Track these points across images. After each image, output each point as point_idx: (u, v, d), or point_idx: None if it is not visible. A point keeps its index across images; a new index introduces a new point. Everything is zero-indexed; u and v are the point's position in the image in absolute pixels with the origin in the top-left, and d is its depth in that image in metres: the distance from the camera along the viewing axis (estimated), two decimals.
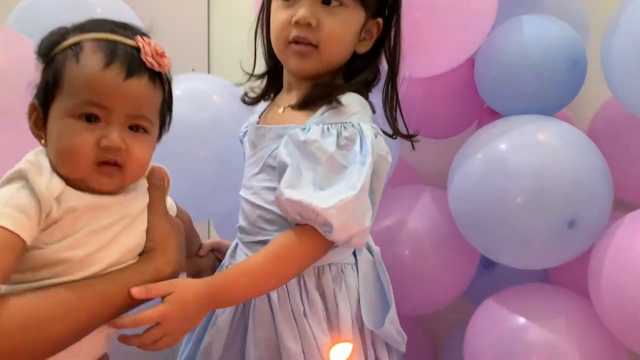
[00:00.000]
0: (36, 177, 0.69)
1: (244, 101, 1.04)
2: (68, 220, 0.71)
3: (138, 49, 0.74)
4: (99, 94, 0.71)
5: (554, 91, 1.24)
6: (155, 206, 0.80)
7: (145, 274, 0.75)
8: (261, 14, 0.98)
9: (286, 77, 0.98)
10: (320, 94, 0.90)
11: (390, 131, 0.97)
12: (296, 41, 0.89)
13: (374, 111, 0.95)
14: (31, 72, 0.76)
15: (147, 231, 0.78)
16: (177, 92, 1.30)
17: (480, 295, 1.36)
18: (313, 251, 0.85)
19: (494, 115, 1.40)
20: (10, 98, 0.91)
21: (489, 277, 1.46)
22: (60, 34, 0.75)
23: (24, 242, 0.66)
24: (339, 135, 0.85)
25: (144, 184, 0.81)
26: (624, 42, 1.15)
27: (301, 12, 0.87)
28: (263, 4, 0.98)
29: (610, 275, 1.11)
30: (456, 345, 1.42)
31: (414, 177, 1.59)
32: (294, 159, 0.84)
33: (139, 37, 0.75)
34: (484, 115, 1.46)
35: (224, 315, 0.92)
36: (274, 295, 0.88)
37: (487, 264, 1.46)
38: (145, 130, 0.76)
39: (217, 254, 1.02)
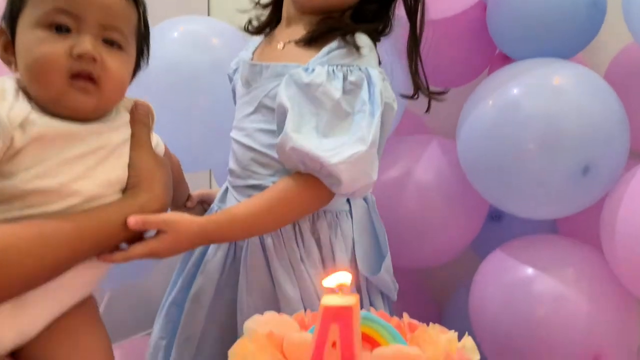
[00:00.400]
0: None
1: (247, 29, 0.99)
2: (35, 147, 0.67)
3: None
4: (68, 0, 0.67)
5: (571, 33, 1.18)
6: (139, 141, 0.76)
7: (128, 210, 0.72)
8: None
9: (286, 10, 0.92)
10: (330, 28, 0.84)
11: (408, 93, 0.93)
12: None
13: (380, 62, 0.89)
14: None
15: (131, 166, 0.75)
16: (174, 34, 1.28)
17: (487, 248, 1.33)
18: (314, 202, 0.82)
19: (506, 62, 1.34)
20: None
21: (496, 230, 1.42)
22: None
23: None
24: (344, 78, 0.80)
25: (124, 116, 0.77)
26: None
27: None
28: None
29: (624, 224, 1.07)
30: (461, 298, 1.40)
31: (420, 127, 1.54)
32: (295, 103, 0.79)
33: None
34: (495, 62, 1.40)
35: (214, 261, 0.89)
36: (268, 240, 0.85)
37: (494, 217, 1.43)
38: (120, 47, 0.72)
39: (206, 205, 0.99)
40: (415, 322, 0.56)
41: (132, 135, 0.76)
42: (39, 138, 0.67)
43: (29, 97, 0.68)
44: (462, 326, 1.32)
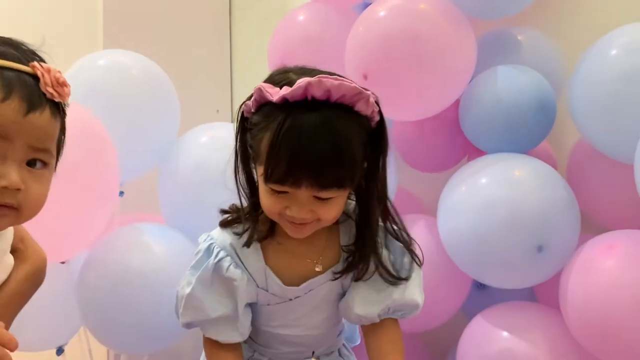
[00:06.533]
0: None
1: (248, 245, 0.96)
2: None
3: (37, 77, 0.68)
4: None
5: (527, 130, 1.40)
6: None
7: None
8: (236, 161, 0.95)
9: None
10: (366, 256, 0.98)
11: None
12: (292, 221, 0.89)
13: None
14: None
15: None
16: (202, 139, 1.55)
17: (475, 311, 1.53)
18: None
19: (481, 151, 1.56)
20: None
21: (482, 296, 1.62)
22: None
23: None
24: None
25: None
26: (583, 90, 1.32)
27: (294, 211, 0.86)
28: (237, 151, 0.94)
29: (573, 294, 1.26)
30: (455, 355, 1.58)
31: (416, 206, 1.76)
32: None
33: (36, 64, 0.68)
34: (472, 150, 1.63)
35: None
36: None
37: (479, 285, 1.62)
38: (44, 165, 0.71)
39: None
40: None
41: None
42: None
43: None
44: None
